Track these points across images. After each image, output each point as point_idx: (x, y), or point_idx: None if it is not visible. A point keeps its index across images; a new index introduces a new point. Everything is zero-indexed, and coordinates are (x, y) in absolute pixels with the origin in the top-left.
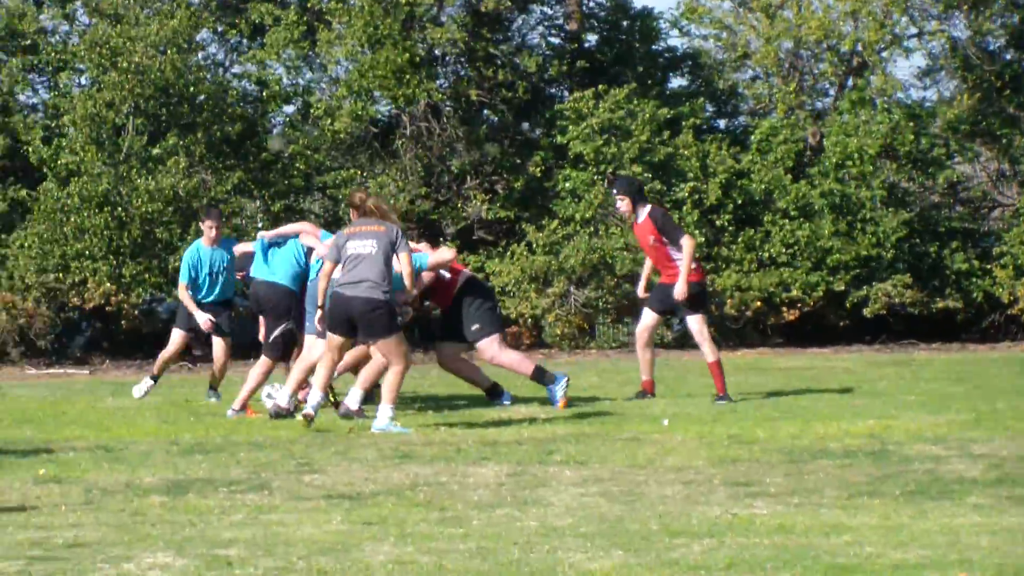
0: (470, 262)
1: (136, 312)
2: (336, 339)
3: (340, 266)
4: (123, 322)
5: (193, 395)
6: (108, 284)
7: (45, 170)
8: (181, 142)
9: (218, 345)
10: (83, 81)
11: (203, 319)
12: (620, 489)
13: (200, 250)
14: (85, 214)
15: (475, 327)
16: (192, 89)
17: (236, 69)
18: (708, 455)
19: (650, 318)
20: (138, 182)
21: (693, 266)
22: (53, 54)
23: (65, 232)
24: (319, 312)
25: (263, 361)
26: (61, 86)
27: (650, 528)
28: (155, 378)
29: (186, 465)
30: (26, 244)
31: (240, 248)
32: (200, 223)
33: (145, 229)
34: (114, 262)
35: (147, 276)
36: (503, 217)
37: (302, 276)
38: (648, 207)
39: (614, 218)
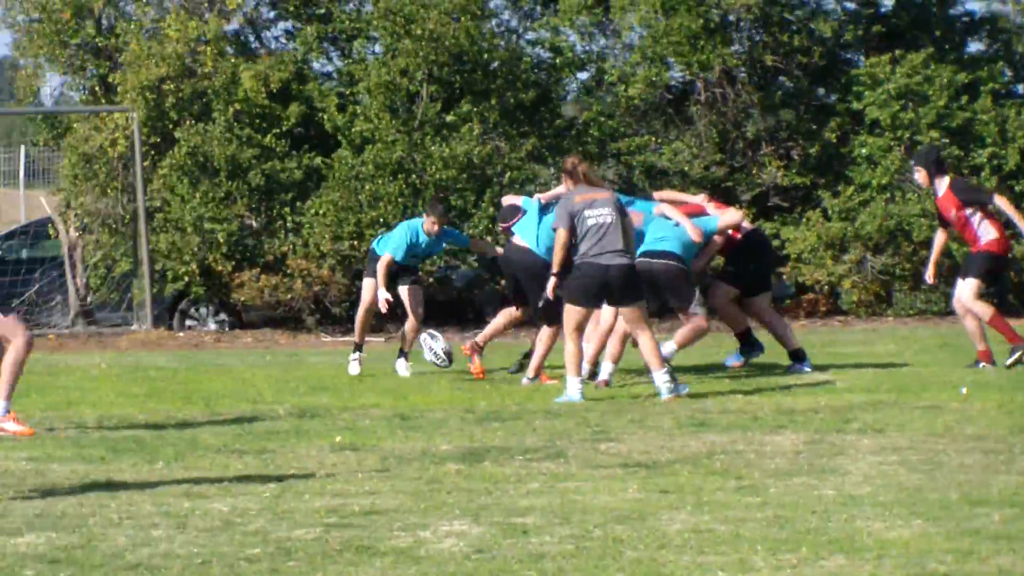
0: (765, 229)
1: (430, 279)
2: (580, 311)
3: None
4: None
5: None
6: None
7: (340, 138)
8: (475, 109)
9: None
10: (377, 49)
11: (383, 298)
12: (919, 458)
13: (420, 234)
14: (379, 181)
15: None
16: (486, 56)
17: (529, 36)
18: (1009, 423)
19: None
20: (432, 149)
21: (996, 236)
22: (347, 22)
23: (360, 200)
24: (552, 281)
25: (544, 330)
26: (355, 54)
27: (950, 497)
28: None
29: (482, 433)
30: (321, 212)
31: (509, 199)
32: (424, 215)
33: (439, 196)
34: None
35: None
36: (798, 183)
37: None
38: (947, 179)
39: (911, 184)
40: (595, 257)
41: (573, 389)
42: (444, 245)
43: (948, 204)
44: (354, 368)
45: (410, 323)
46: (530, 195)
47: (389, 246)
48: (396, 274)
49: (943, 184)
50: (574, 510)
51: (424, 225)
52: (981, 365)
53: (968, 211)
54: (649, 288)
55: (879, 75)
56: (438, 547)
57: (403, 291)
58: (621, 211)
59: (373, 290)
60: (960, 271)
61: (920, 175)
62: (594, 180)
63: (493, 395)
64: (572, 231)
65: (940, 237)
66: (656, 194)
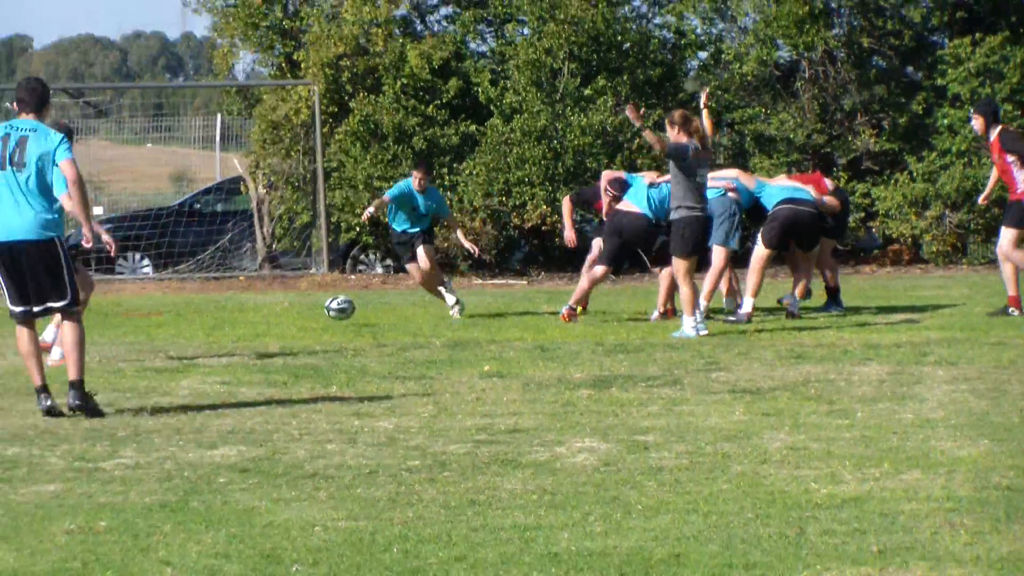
0: (858, 189)
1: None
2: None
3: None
4: (556, 239)
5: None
6: (544, 207)
7: (492, 108)
8: (609, 84)
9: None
10: (525, 31)
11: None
12: (986, 387)
13: (411, 188)
14: (525, 146)
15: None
16: (619, 38)
17: (657, 20)
18: None
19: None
20: (571, 118)
21: None
22: (500, 8)
23: (508, 162)
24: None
25: (662, 272)
26: (507, 35)
27: (1012, 421)
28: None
29: (610, 363)
30: (474, 172)
31: (611, 174)
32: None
33: (577, 160)
34: (550, 188)
35: None
36: (888, 149)
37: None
38: (999, 127)
39: (986, 151)
40: (699, 211)
41: (688, 326)
42: (434, 204)
43: (995, 150)
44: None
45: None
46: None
47: (390, 192)
48: (411, 240)
49: (994, 132)
50: (688, 430)
51: (412, 182)
52: (1011, 311)
53: (1010, 158)
54: (791, 231)
55: (961, 55)
56: (572, 461)
57: (419, 251)
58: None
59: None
60: (1002, 219)
61: (977, 122)
62: (705, 143)
63: (620, 331)
64: (690, 173)
65: (994, 174)
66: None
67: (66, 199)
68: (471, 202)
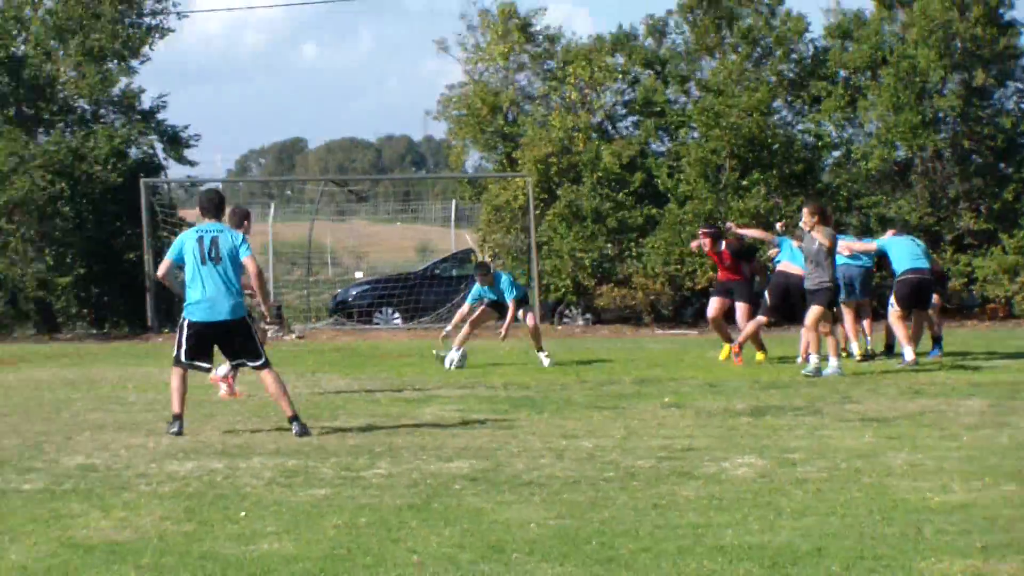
0: (961, 260)
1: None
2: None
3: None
4: None
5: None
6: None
7: (669, 195)
8: (761, 176)
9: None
10: (695, 135)
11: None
12: None
13: (477, 286)
14: (695, 225)
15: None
16: (769, 140)
17: (799, 126)
18: None
19: None
20: (732, 204)
21: None
22: (675, 117)
23: (681, 238)
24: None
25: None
26: (680, 138)
27: None
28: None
29: (764, 396)
30: (655, 246)
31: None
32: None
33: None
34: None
35: None
36: (985, 228)
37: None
38: None
39: None
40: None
41: (833, 366)
42: (500, 288)
43: None
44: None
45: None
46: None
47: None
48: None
49: None
50: (827, 449)
51: (478, 281)
52: None
53: None
54: (919, 294)
55: None
56: (734, 473)
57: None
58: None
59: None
60: None
61: None
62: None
63: (772, 370)
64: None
65: None
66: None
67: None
68: (653, 268)
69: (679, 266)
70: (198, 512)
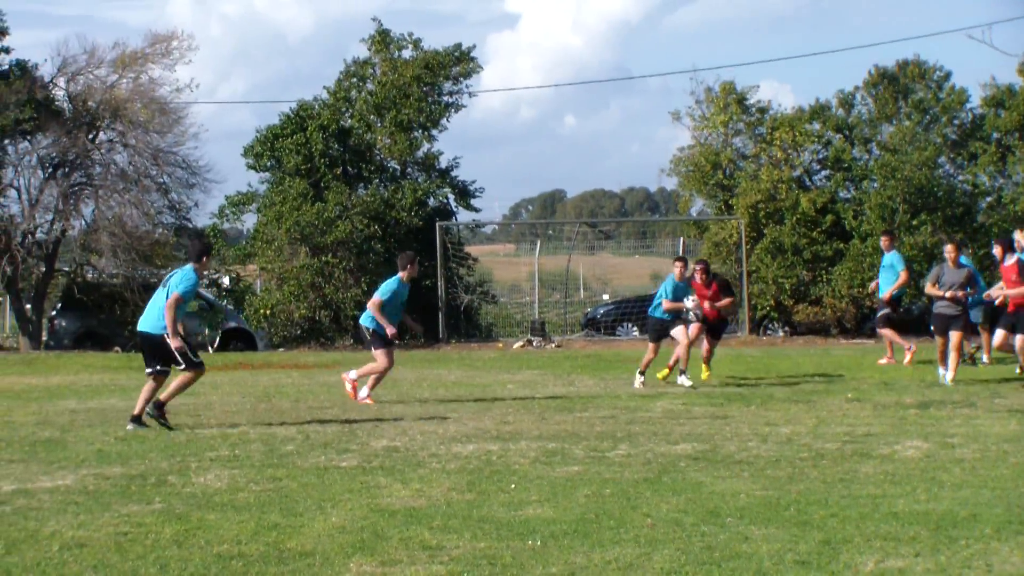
0: None
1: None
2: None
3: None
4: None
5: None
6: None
7: (853, 233)
8: (929, 217)
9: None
10: (875, 185)
11: None
12: None
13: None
14: (875, 257)
15: None
16: (935, 189)
17: (959, 177)
18: None
19: None
20: (904, 239)
21: None
22: (859, 171)
23: (863, 267)
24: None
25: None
26: (863, 188)
27: None
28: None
29: (930, 393)
30: (841, 273)
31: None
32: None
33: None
34: None
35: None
36: None
37: None
38: None
39: None
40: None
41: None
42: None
43: None
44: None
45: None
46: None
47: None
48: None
49: None
50: (980, 435)
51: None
52: None
53: None
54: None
55: None
56: (905, 454)
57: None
58: None
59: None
60: None
61: None
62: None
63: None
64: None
65: None
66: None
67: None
68: (839, 291)
69: (860, 289)
70: (477, 484)
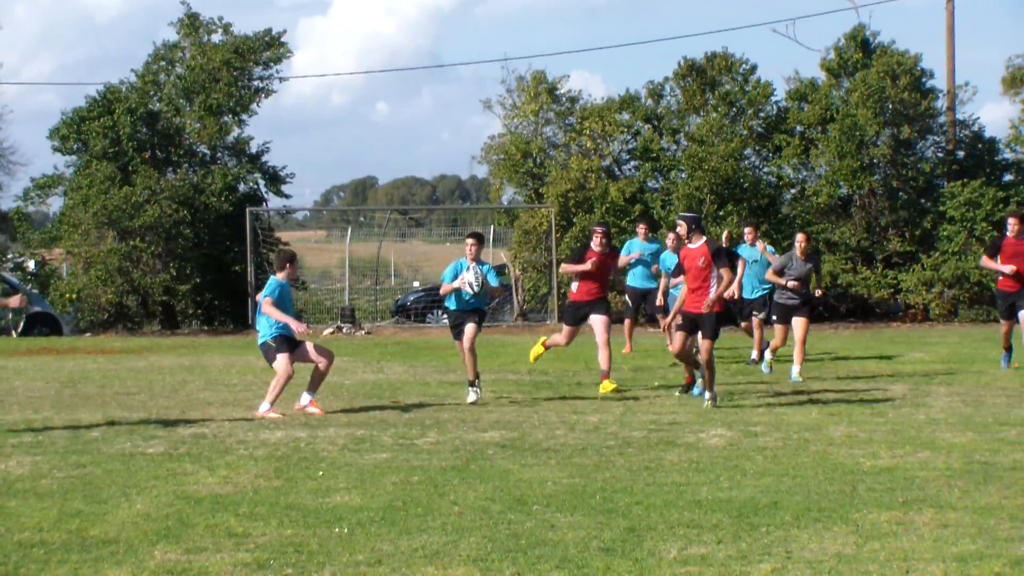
0: (889, 274)
1: None
2: None
3: None
4: None
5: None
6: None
7: (662, 223)
8: (735, 208)
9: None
10: (683, 175)
11: None
12: (971, 398)
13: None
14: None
15: None
16: (741, 179)
17: (765, 169)
18: None
19: None
20: (711, 229)
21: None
22: (667, 161)
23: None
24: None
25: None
26: (671, 178)
27: (987, 420)
28: None
29: (732, 380)
30: None
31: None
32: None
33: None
34: None
35: None
36: (908, 250)
37: None
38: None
39: (970, 251)
40: None
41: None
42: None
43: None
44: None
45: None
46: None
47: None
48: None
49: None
50: (782, 424)
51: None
52: None
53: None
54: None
55: (954, 192)
56: (709, 442)
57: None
58: None
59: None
60: None
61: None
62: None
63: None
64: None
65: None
66: None
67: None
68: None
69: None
70: (285, 471)
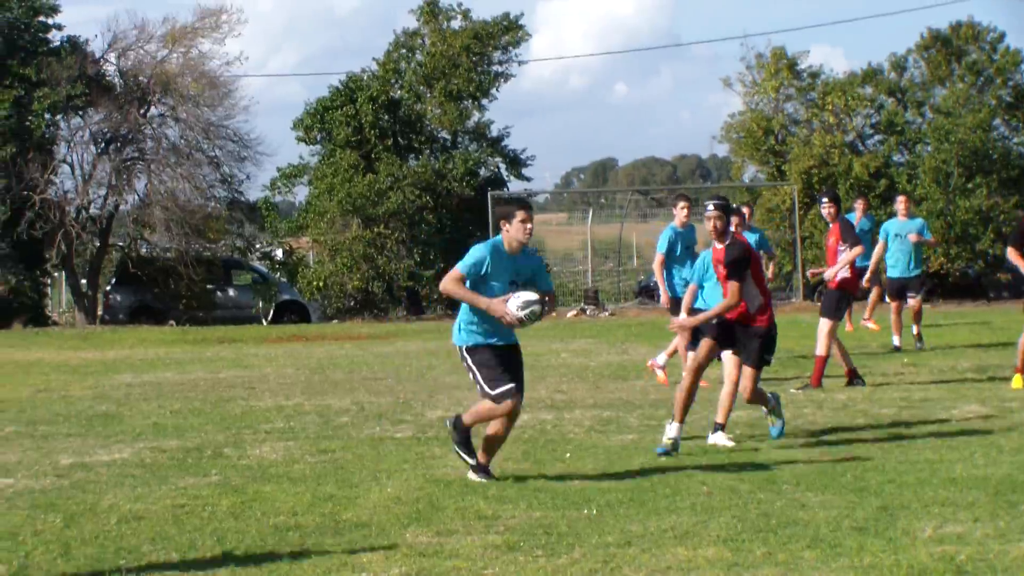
0: None
1: None
2: None
3: None
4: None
5: None
6: (943, 258)
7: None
8: (984, 180)
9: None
10: (928, 149)
11: None
12: None
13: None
14: (930, 221)
15: None
16: (990, 151)
17: (1015, 140)
18: None
19: None
20: (959, 203)
21: None
22: (912, 135)
23: None
24: None
25: None
26: (916, 152)
27: None
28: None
29: (987, 356)
30: None
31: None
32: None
33: (963, 229)
34: (944, 247)
35: None
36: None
37: None
38: None
39: None
40: None
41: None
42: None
43: None
44: None
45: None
46: None
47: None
48: None
49: None
50: None
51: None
52: None
53: None
54: None
55: None
56: (962, 418)
57: None
58: None
59: None
60: None
61: None
62: None
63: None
64: None
65: None
66: None
67: None
68: None
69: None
70: (532, 454)
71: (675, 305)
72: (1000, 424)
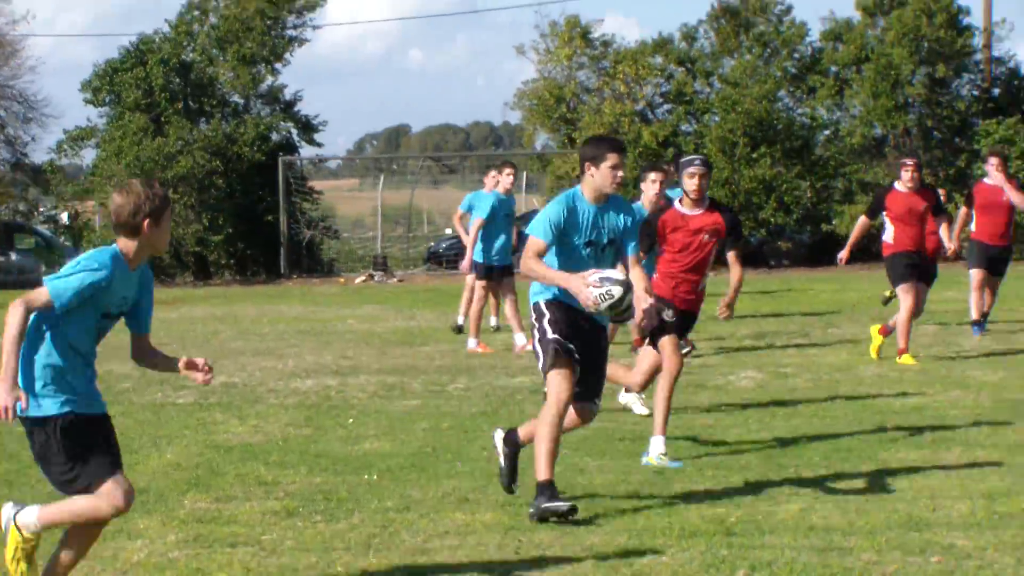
0: None
1: None
2: None
3: None
4: None
5: None
6: None
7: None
8: (768, 150)
9: None
10: (716, 118)
11: None
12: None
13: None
14: (715, 189)
15: None
16: (774, 121)
17: (799, 111)
18: None
19: None
20: (744, 172)
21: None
22: (700, 104)
23: None
24: None
25: None
26: (704, 121)
27: (1020, 358)
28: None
29: (765, 324)
30: None
31: None
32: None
33: (747, 199)
34: None
35: None
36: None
37: None
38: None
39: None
40: None
41: None
42: None
43: None
44: None
45: None
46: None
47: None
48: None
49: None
50: (811, 365)
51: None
52: None
53: None
54: None
55: (989, 130)
56: (739, 384)
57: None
58: None
59: None
60: None
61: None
62: None
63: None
64: None
65: None
66: None
67: None
68: None
69: None
70: (315, 419)
71: (481, 271)
72: (775, 389)
